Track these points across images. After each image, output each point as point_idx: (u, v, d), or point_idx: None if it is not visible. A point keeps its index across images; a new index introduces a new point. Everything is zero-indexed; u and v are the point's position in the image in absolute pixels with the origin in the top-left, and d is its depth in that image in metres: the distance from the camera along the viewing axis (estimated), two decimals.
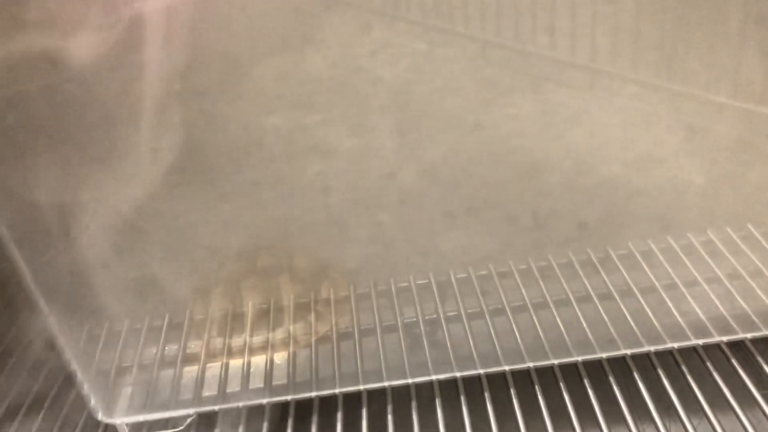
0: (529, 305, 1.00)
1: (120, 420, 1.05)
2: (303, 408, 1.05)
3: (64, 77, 0.85)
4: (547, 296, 1.00)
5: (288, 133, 0.89)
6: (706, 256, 0.98)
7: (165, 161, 0.92)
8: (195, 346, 1.06)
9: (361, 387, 1.03)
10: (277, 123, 0.89)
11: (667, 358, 1.01)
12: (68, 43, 0.82)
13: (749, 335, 0.99)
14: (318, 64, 0.86)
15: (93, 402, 1.04)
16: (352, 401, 1.04)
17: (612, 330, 0.99)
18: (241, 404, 1.04)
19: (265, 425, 1.04)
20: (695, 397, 0.95)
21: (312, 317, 1.04)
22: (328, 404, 1.04)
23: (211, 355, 1.06)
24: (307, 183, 0.93)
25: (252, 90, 0.88)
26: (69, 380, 1.08)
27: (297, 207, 0.95)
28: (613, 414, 0.96)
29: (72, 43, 0.83)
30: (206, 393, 1.05)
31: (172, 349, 1.06)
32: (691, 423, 0.93)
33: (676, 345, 0.99)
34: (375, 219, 0.95)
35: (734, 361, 0.99)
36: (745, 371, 0.97)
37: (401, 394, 1.03)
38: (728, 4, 0.85)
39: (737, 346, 1.01)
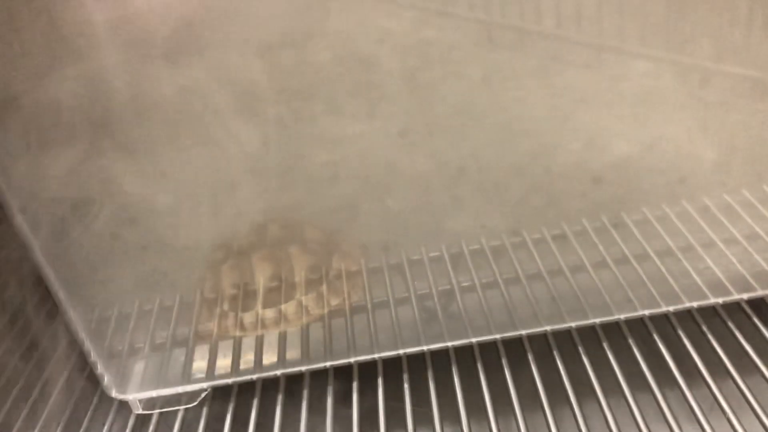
0: (544, 273, 0.99)
1: (133, 396, 1.05)
2: (318, 377, 1.05)
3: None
4: (562, 263, 0.98)
5: (293, 123, 0.87)
6: (723, 218, 0.96)
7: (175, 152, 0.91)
8: (207, 321, 1.05)
9: (376, 355, 1.03)
10: (282, 113, 0.87)
11: (687, 318, 1.00)
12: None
13: None
14: (322, 53, 0.84)
15: (106, 380, 1.04)
16: (368, 371, 1.03)
17: (629, 292, 0.98)
18: (255, 377, 1.04)
19: (280, 397, 1.04)
20: (719, 358, 0.94)
21: (324, 289, 1.03)
22: (342, 373, 1.04)
23: (224, 330, 1.05)
24: (314, 172, 0.91)
25: (256, 81, 0.86)
26: (82, 359, 1.08)
27: (305, 196, 0.94)
28: (634, 377, 0.95)
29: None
30: (220, 368, 1.05)
31: (184, 325, 1.05)
32: (717, 384, 0.92)
33: (695, 304, 0.98)
34: (384, 205, 0.94)
35: (756, 320, 0.98)
36: (767, 328, 0.96)
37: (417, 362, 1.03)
38: None
39: (758, 305, 1.00)
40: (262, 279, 1.03)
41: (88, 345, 1.01)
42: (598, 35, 0.85)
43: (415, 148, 0.89)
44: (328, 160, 0.90)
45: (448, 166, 0.91)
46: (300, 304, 1.03)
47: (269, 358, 1.04)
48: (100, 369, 1.03)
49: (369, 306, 1.02)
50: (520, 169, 0.91)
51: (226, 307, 1.04)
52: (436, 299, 1.00)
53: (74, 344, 1.08)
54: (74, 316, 0.99)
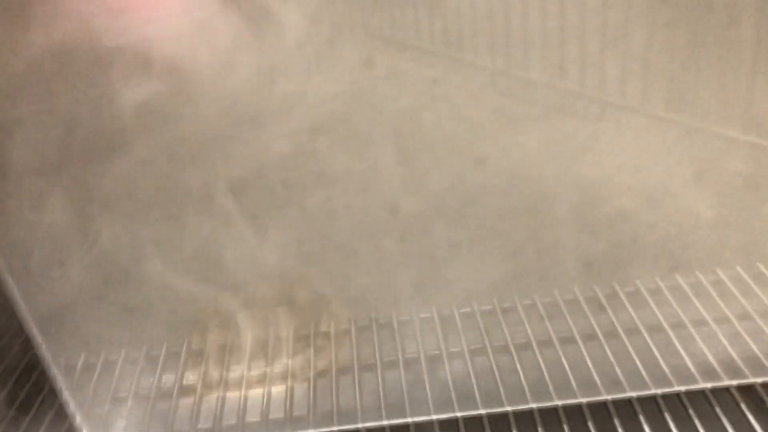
0: (533, 343, 0.98)
1: None
2: None
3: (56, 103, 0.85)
4: (552, 334, 0.98)
5: (293, 159, 0.88)
6: (715, 296, 0.96)
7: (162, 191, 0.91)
8: (192, 377, 1.04)
9: (360, 425, 1.01)
10: (283, 149, 0.88)
11: (674, 401, 0.98)
12: None
13: (759, 380, 0.97)
14: (325, 91, 0.86)
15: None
16: None
17: (618, 371, 0.97)
18: None
19: None
20: None
21: (311, 351, 1.02)
22: None
23: (208, 387, 1.04)
24: (311, 210, 0.91)
25: (258, 117, 0.87)
26: (61, 410, 1.06)
27: (301, 234, 0.94)
28: None
29: None
30: (202, 426, 1.03)
31: (168, 379, 1.04)
32: None
33: (683, 388, 0.97)
34: (380, 246, 0.94)
35: (743, 406, 0.96)
36: (756, 417, 0.95)
37: None
38: (740, 38, 0.84)
39: (747, 391, 0.98)
40: (248, 338, 1.03)
41: (67, 396, 1.00)
42: (601, 89, 0.86)
43: (414, 189, 0.90)
44: (328, 196, 0.91)
45: (447, 209, 0.91)
46: (286, 365, 1.02)
47: (252, 417, 1.03)
48: (78, 421, 1.02)
49: (356, 369, 1.01)
50: (518, 217, 0.92)
51: (211, 364, 1.03)
52: (423, 364, 0.99)
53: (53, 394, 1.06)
54: (52, 363, 0.98)
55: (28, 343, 0.98)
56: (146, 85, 0.84)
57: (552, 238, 0.92)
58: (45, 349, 0.97)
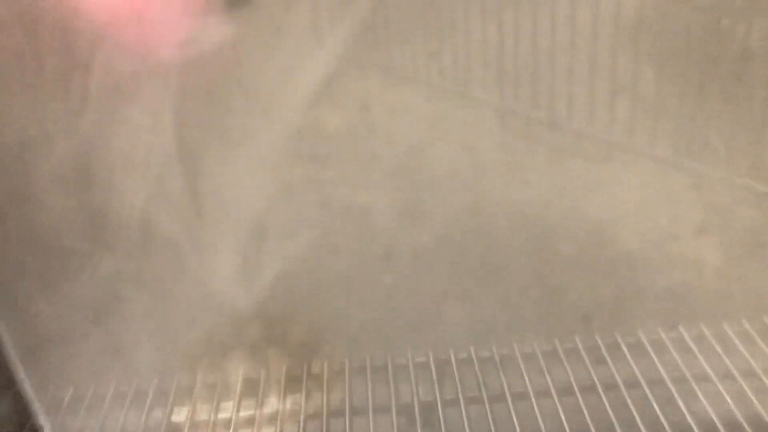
0: (531, 392, 0.96)
1: None
2: None
3: None
4: (550, 384, 0.95)
5: (301, 188, 0.88)
6: (720, 351, 0.93)
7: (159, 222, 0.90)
8: (179, 417, 1.01)
9: None
10: (290, 178, 0.88)
11: None
12: None
13: None
14: (335, 121, 0.85)
15: None
16: None
17: (615, 424, 0.94)
18: None
19: None
20: None
21: (302, 394, 0.99)
22: None
23: (195, 429, 1.01)
24: (316, 240, 0.90)
25: (267, 145, 0.87)
26: None
27: (304, 264, 0.92)
28: None
29: None
30: None
31: (156, 417, 1.01)
32: None
33: None
34: (382, 280, 0.92)
35: None
36: None
37: None
38: (752, 84, 0.83)
39: None
40: (239, 378, 1.01)
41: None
42: (609, 131, 0.85)
43: (419, 223, 0.89)
44: (328, 230, 0.90)
45: (451, 244, 0.90)
46: (276, 407, 1.00)
47: None
48: None
49: (347, 412, 0.98)
50: (523, 255, 0.90)
51: (200, 404, 1.01)
52: (417, 410, 0.97)
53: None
54: (34, 397, 0.96)
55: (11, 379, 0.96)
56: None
57: (555, 281, 0.91)
58: (27, 386, 0.95)
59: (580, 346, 0.95)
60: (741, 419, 0.93)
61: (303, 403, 1.00)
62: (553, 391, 0.96)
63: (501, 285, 0.91)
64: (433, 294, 0.92)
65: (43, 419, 0.97)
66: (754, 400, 0.94)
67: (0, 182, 0.86)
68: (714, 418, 0.94)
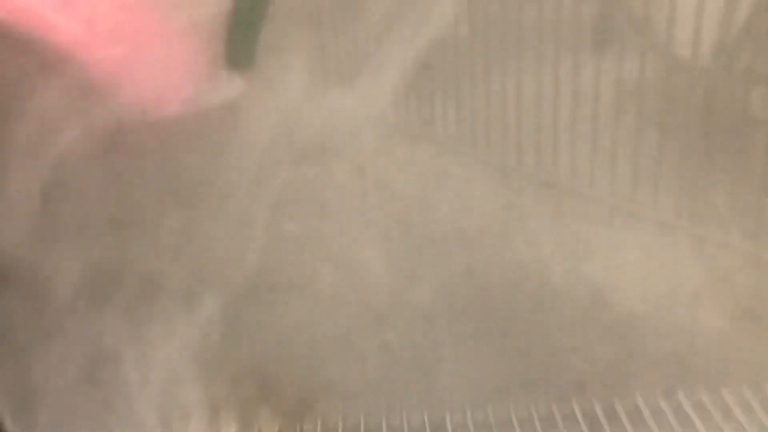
0: None
1: None
2: None
3: None
4: None
5: (305, 240, 0.87)
6: (719, 419, 0.93)
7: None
8: None
9: None
10: (295, 230, 0.87)
11: None
12: None
13: None
14: (342, 174, 0.85)
15: None
16: None
17: None
18: None
19: None
20: None
21: None
22: None
23: None
24: (317, 294, 0.90)
25: (272, 195, 0.87)
26: None
27: (305, 317, 0.92)
28: None
29: None
30: None
31: None
32: None
33: None
34: (382, 337, 0.91)
35: None
36: None
37: None
38: (754, 148, 0.84)
39: None
40: None
41: None
42: (611, 193, 0.86)
43: (422, 279, 0.88)
44: (334, 282, 0.89)
45: (453, 301, 0.90)
46: None
47: None
48: None
49: None
50: (523, 316, 0.90)
51: None
52: None
53: None
54: None
55: None
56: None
57: (555, 343, 0.90)
58: None
59: (577, 412, 0.95)
60: None
61: None
62: None
63: (499, 346, 0.91)
64: (431, 354, 0.92)
65: None
66: None
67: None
68: None
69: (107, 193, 0.85)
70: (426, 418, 0.96)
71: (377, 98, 0.84)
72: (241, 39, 0.81)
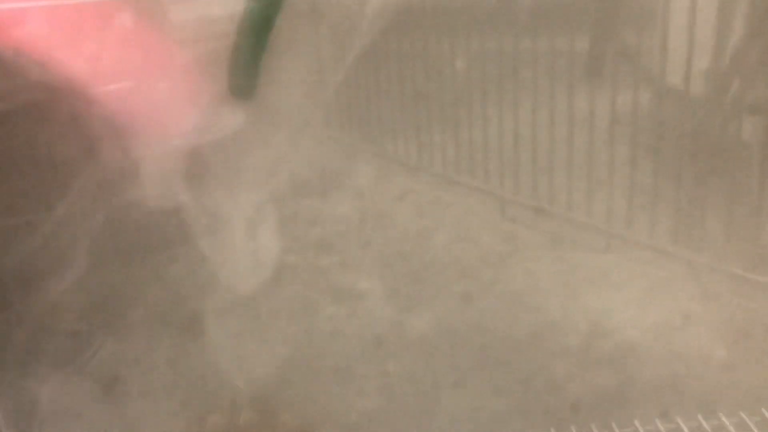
0: None
1: None
2: None
3: None
4: None
5: (305, 274, 0.88)
6: None
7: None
8: None
9: None
10: (296, 262, 0.88)
11: None
12: None
13: None
14: (342, 207, 0.86)
15: None
16: None
17: None
18: None
19: None
20: None
21: None
22: None
23: None
24: (318, 326, 0.90)
25: (274, 228, 0.87)
26: None
27: (306, 350, 0.92)
28: None
29: None
30: None
31: None
32: None
33: None
34: (383, 368, 0.92)
35: None
36: None
37: None
38: (747, 175, 0.85)
39: None
40: None
41: None
42: (608, 221, 0.87)
43: (421, 311, 0.89)
44: (334, 314, 0.90)
45: (452, 330, 0.90)
46: None
47: None
48: None
49: None
50: (521, 344, 0.91)
51: None
52: None
53: None
54: None
55: None
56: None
57: (553, 370, 0.91)
58: None
59: None
60: None
61: None
62: None
63: (498, 375, 0.91)
64: (430, 382, 0.92)
65: None
66: None
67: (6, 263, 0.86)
68: None
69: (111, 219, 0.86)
70: None
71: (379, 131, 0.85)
72: (243, 71, 0.82)
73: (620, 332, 0.90)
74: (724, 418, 0.94)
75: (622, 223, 0.88)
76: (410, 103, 0.91)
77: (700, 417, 0.94)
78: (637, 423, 0.95)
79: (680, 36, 0.99)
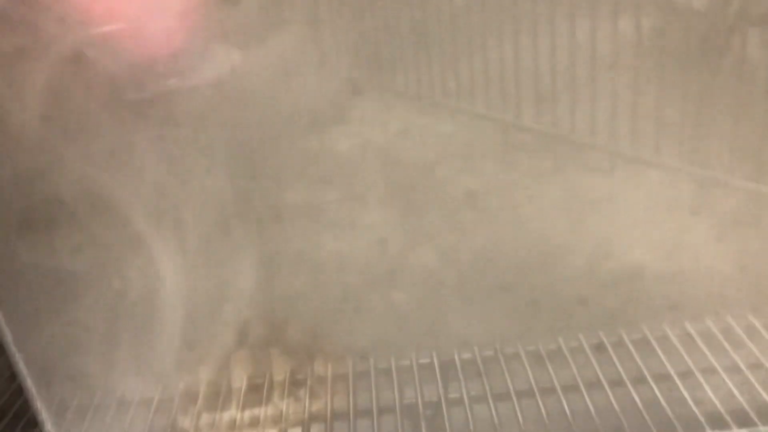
0: (536, 390, 0.95)
1: None
2: None
3: None
4: (555, 381, 0.95)
5: (308, 209, 0.87)
6: (726, 344, 0.93)
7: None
8: (184, 421, 1.01)
9: None
10: (298, 199, 0.86)
11: None
12: None
13: None
14: (344, 143, 0.84)
15: None
16: None
17: (622, 419, 0.94)
18: None
19: None
20: None
21: (306, 396, 0.99)
22: None
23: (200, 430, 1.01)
24: (323, 260, 0.89)
25: (275, 166, 0.85)
26: None
27: (312, 283, 0.91)
28: None
29: None
30: None
31: (160, 424, 1.01)
32: None
33: None
34: (390, 298, 0.91)
35: None
36: None
37: None
38: (752, 89, 0.82)
39: None
40: (240, 379, 1.00)
41: None
42: (613, 141, 0.84)
43: (427, 242, 0.88)
44: (337, 249, 0.89)
45: (459, 262, 0.89)
46: (278, 407, 0.99)
47: None
48: None
49: (351, 413, 0.98)
50: (530, 270, 0.90)
51: (202, 405, 1.00)
52: (421, 410, 0.96)
53: None
54: (42, 407, 0.95)
55: (18, 387, 0.96)
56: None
57: (561, 294, 0.90)
58: (35, 393, 0.94)
59: (584, 344, 0.95)
60: (747, 407, 0.94)
61: (307, 405, 1.00)
62: (558, 388, 0.96)
63: (506, 299, 0.90)
64: (438, 310, 0.92)
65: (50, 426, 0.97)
66: (760, 390, 0.94)
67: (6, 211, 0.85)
68: (720, 409, 0.94)
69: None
70: (435, 356, 0.97)
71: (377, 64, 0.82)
72: None
73: (629, 253, 0.88)
74: (731, 320, 0.93)
75: (627, 142, 0.85)
76: (410, 35, 0.87)
77: (707, 321, 0.94)
78: (644, 328, 0.95)
79: None
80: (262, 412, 0.99)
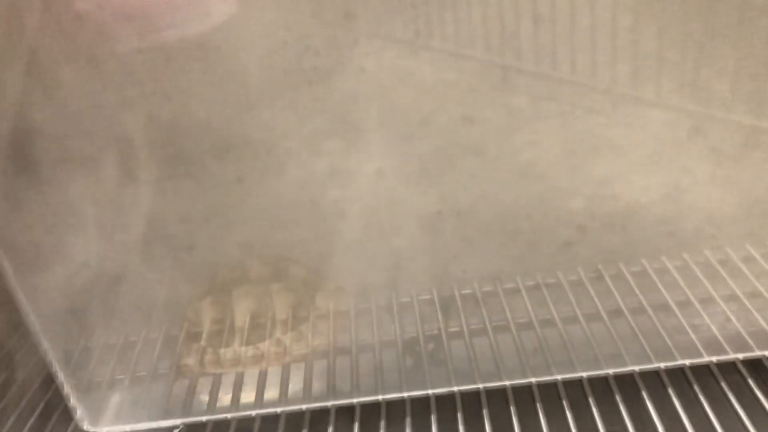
0: (535, 322, 0.97)
1: (106, 429, 1.01)
2: (294, 422, 1.01)
3: None
4: (554, 313, 0.96)
5: (307, 158, 0.86)
6: (724, 273, 0.94)
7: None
8: (186, 357, 1.02)
9: (355, 400, 1.00)
10: (297, 148, 0.86)
11: (678, 376, 0.97)
12: None
13: (767, 353, 0.96)
14: (341, 92, 0.83)
15: (79, 413, 1.01)
16: (345, 416, 1.00)
17: (620, 345, 0.96)
18: (230, 416, 1.01)
19: None
20: (709, 420, 0.91)
21: (309, 328, 1.00)
22: (320, 419, 1.01)
23: (203, 367, 1.02)
24: (324, 208, 0.89)
25: (274, 116, 0.85)
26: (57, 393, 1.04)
27: (313, 231, 0.92)
28: None
29: None
30: (196, 405, 1.02)
31: (163, 361, 1.02)
32: None
33: (687, 362, 0.96)
34: (391, 245, 0.92)
35: (750, 381, 0.95)
36: (763, 392, 0.93)
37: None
38: (753, 27, 0.81)
39: (754, 365, 0.97)
40: (242, 315, 1.01)
41: (62, 377, 0.98)
42: (613, 82, 0.83)
43: (428, 189, 0.88)
44: (339, 197, 0.89)
45: (459, 207, 0.89)
46: (281, 342, 1.00)
47: (247, 397, 1.01)
48: (73, 401, 1.00)
49: (353, 348, 0.99)
50: (530, 213, 0.90)
51: (205, 342, 1.01)
52: (422, 344, 0.98)
53: (49, 377, 1.04)
54: (49, 348, 0.96)
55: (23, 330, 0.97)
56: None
57: (561, 236, 0.90)
58: (43, 336, 0.95)
59: (583, 277, 0.96)
60: (745, 334, 0.95)
61: (310, 341, 1.01)
62: (557, 319, 0.97)
63: (506, 241, 0.91)
64: (439, 253, 0.92)
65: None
66: (758, 316, 0.95)
67: None
68: (718, 335, 0.95)
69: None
70: (435, 293, 0.98)
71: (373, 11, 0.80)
72: None
73: (629, 195, 0.88)
74: (729, 251, 0.94)
75: (628, 83, 0.84)
76: None
77: (706, 252, 0.95)
78: (644, 261, 0.96)
79: None
80: (265, 347, 1.00)
